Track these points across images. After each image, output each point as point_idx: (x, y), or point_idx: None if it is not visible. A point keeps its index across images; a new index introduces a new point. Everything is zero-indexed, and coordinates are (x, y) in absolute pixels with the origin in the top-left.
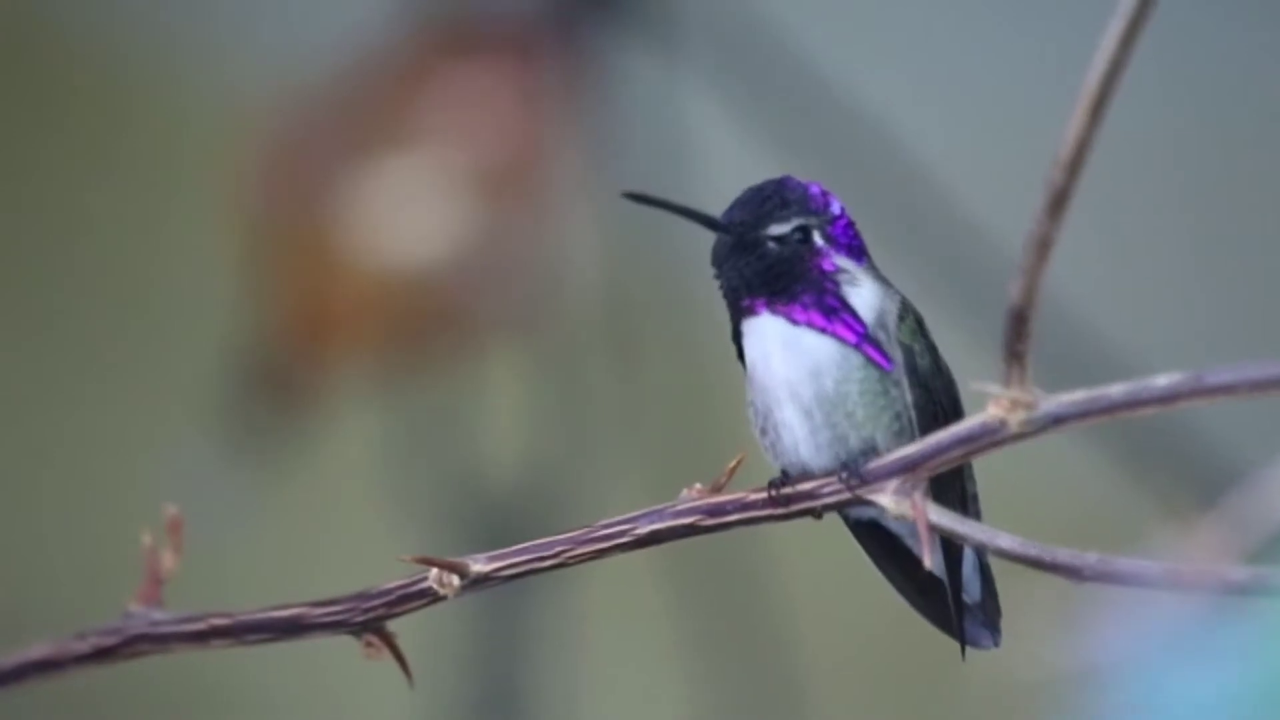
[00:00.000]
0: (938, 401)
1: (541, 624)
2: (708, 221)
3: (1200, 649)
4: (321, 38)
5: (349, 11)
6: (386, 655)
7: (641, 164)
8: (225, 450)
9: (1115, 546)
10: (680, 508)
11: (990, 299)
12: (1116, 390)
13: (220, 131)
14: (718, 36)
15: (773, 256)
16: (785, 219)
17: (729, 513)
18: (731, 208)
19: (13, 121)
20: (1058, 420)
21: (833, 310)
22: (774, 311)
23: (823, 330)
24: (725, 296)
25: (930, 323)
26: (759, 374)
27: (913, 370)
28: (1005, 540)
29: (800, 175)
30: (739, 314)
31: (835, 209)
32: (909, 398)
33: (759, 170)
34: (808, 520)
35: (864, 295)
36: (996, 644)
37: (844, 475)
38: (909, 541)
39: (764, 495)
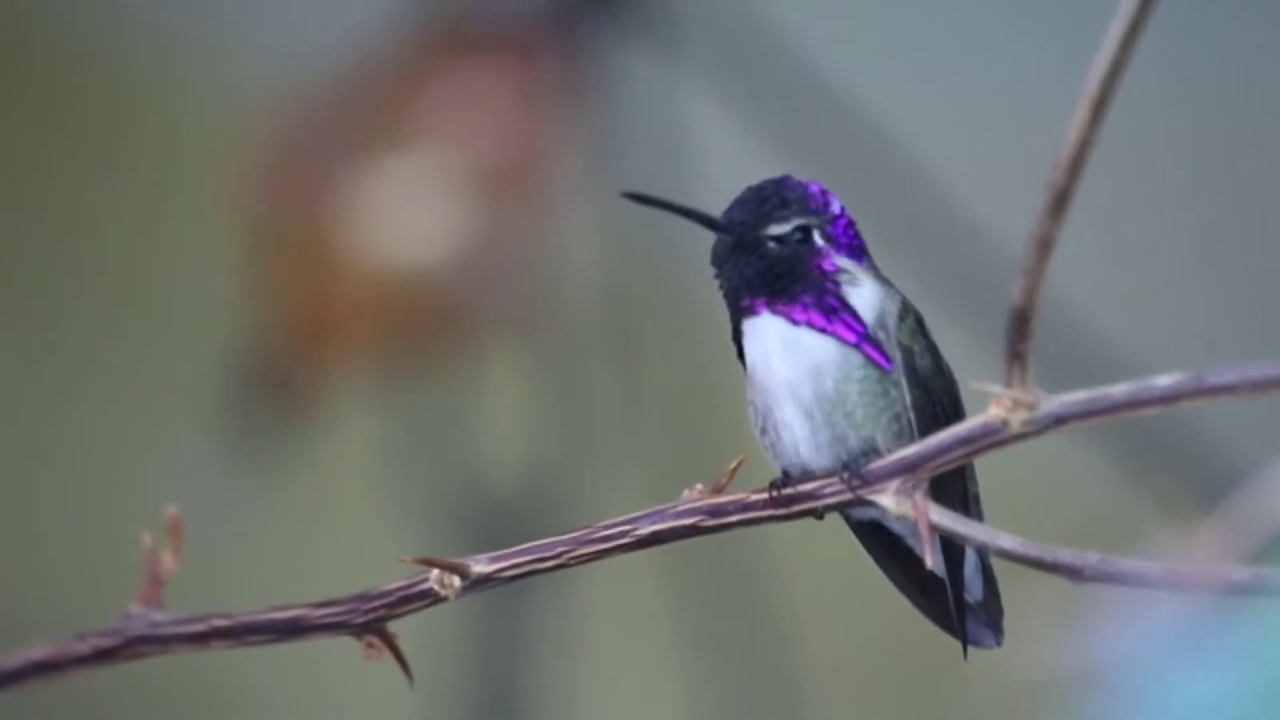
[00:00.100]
0: (938, 402)
1: (542, 625)
2: (707, 222)
3: (1201, 649)
4: (321, 38)
5: (349, 11)
6: (387, 656)
7: (641, 164)
8: (225, 450)
9: (1116, 547)
10: (681, 508)
11: (991, 299)
12: (1118, 390)
13: (220, 131)
14: (718, 36)
15: (772, 256)
16: (785, 219)
17: (730, 513)
18: (731, 208)
19: (13, 121)
20: (1059, 420)
21: (833, 310)
22: (774, 311)
23: (822, 330)
24: (725, 297)
25: (930, 323)
26: (759, 374)
27: (912, 371)
28: (1006, 540)
29: (800, 175)
30: (739, 314)
31: (835, 208)
32: (908, 398)
33: (759, 170)
34: (809, 521)
35: (864, 295)
36: (999, 644)
37: (845, 475)
38: (910, 541)
39: (765, 496)
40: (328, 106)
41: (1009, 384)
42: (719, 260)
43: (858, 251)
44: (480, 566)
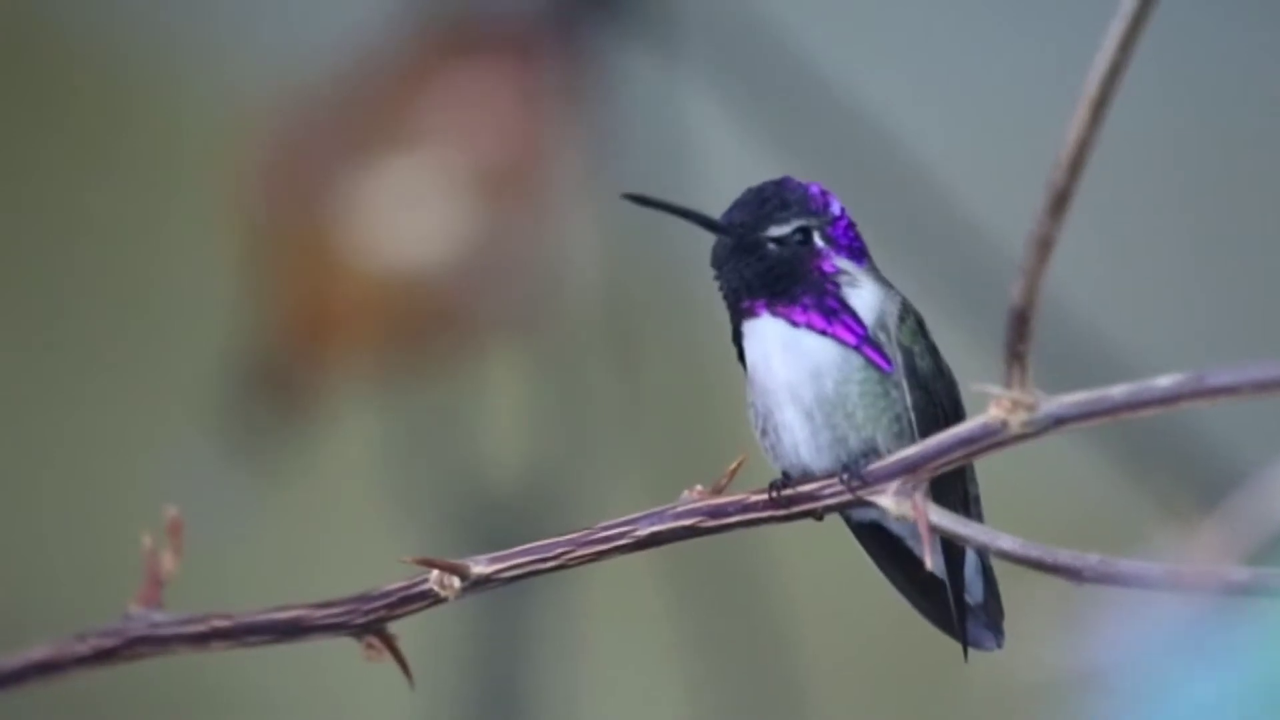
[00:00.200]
0: (939, 403)
1: (542, 625)
2: (707, 223)
3: (1202, 650)
4: (321, 38)
5: (349, 11)
6: (387, 657)
7: (641, 164)
8: (225, 450)
9: (1116, 548)
10: (681, 509)
11: (990, 299)
12: (1118, 391)
13: (220, 131)
14: (718, 36)
15: (773, 258)
16: (785, 220)
17: (730, 514)
18: (731, 209)
19: (13, 121)
20: (1059, 421)
21: (833, 312)
22: (774, 313)
23: (823, 332)
24: (725, 298)
25: (930, 323)
26: (759, 376)
27: (913, 372)
28: (1006, 542)
29: (800, 175)
30: (739, 315)
31: (835, 209)
32: (909, 399)
33: (759, 170)
34: (808, 521)
35: (864, 297)
36: (999, 645)
37: (845, 476)
38: (910, 543)
39: (765, 497)
40: (328, 106)
41: (1009, 385)
42: (719, 262)
43: (858, 253)
44: (480, 567)
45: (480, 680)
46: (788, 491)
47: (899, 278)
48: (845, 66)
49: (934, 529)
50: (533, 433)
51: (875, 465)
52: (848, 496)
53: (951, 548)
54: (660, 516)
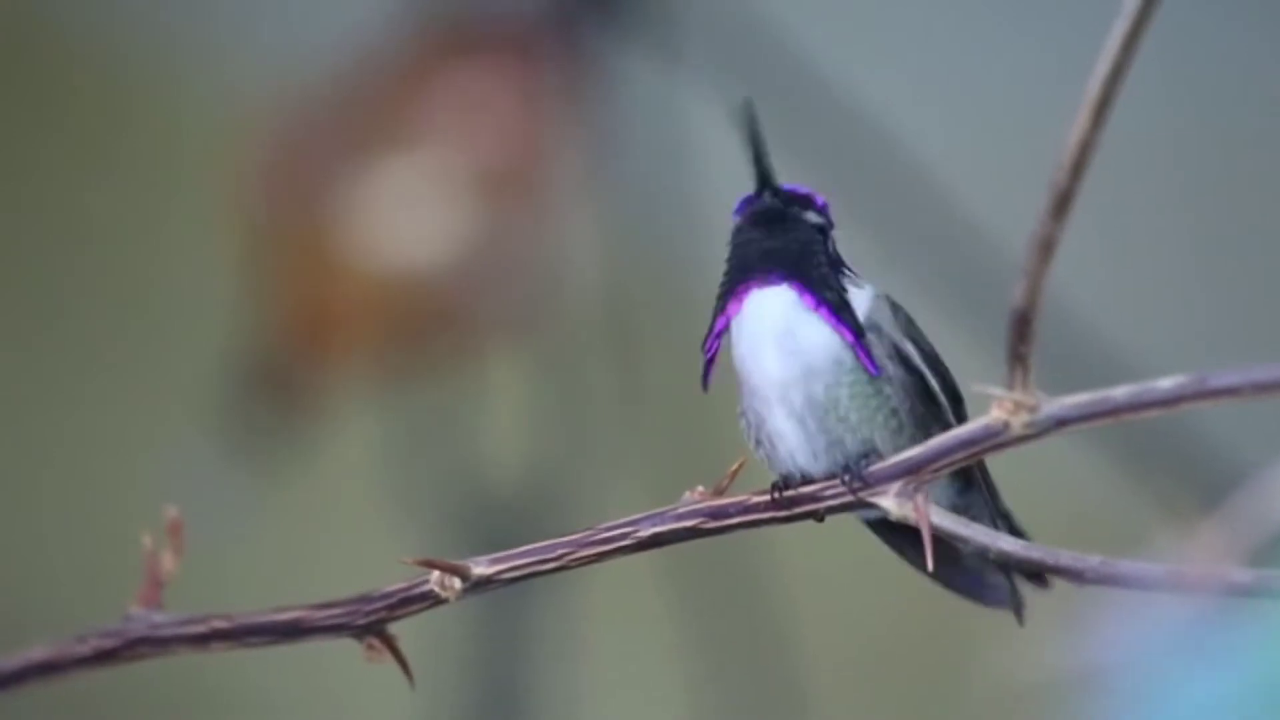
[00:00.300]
0: (949, 385)
1: (543, 626)
2: (763, 174)
3: (1203, 651)
4: (321, 38)
5: (349, 11)
6: (388, 658)
7: (641, 164)
8: (225, 450)
9: (1118, 549)
10: (682, 510)
11: (991, 300)
12: (1120, 393)
13: (220, 131)
14: (718, 37)
15: (807, 235)
16: (811, 212)
17: (731, 515)
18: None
19: (13, 121)
20: (1061, 423)
21: (842, 306)
22: (791, 285)
23: (829, 322)
24: (736, 266)
25: (930, 323)
26: (749, 371)
27: (928, 358)
28: (1008, 542)
29: (800, 175)
30: (746, 285)
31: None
32: (935, 384)
33: None
34: (810, 523)
35: (861, 301)
36: (1046, 587)
37: (846, 478)
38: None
39: (766, 498)
40: (328, 106)
41: (1010, 386)
42: (754, 222)
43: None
44: (481, 568)
45: (481, 681)
46: (789, 493)
47: (899, 278)
48: (845, 66)
49: (935, 529)
50: (533, 433)
51: (877, 466)
52: (849, 498)
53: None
54: (661, 517)
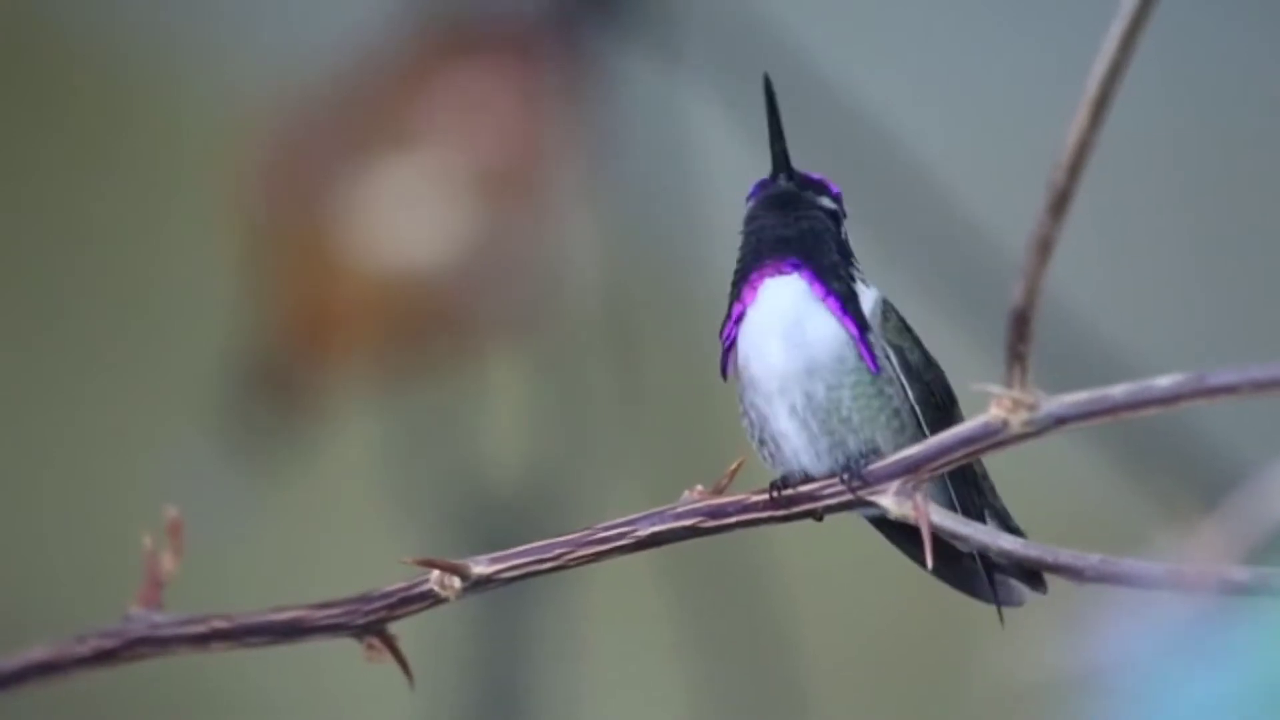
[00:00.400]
0: (935, 392)
1: (542, 626)
2: (780, 154)
3: (1202, 650)
4: (321, 38)
5: (349, 11)
6: (388, 657)
7: (641, 164)
8: (225, 450)
9: (1117, 547)
10: (681, 509)
11: (991, 299)
12: (1119, 391)
13: (220, 131)
14: (718, 37)
15: (820, 222)
16: (825, 198)
17: (730, 514)
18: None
19: (13, 121)
20: (1060, 421)
21: (850, 298)
22: (803, 274)
23: (835, 314)
24: (750, 250)
25: (930, 323)
26: (752, 364)
27: (907, 367)
28: (1007, 541)
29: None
30: (758, 272)
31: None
32: (911, 394)
33: (759, 170)
34: (809, 522)
35: (866, 295)
36: (1042, 591)
37: (845, 477)
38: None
39: (765, 497)
40: (328, 106)
41: (1009, 385)
42: (765, 207)
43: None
44: (481, 568)
45: (480, 681)
46: (788, 492)
47: (900, 278)
48: (845, 66)
49: (935, 528)
50: (533, 433)
51: (876, 465)
52: (848, 496)
53: (970, 507)
54: (661, 517)
